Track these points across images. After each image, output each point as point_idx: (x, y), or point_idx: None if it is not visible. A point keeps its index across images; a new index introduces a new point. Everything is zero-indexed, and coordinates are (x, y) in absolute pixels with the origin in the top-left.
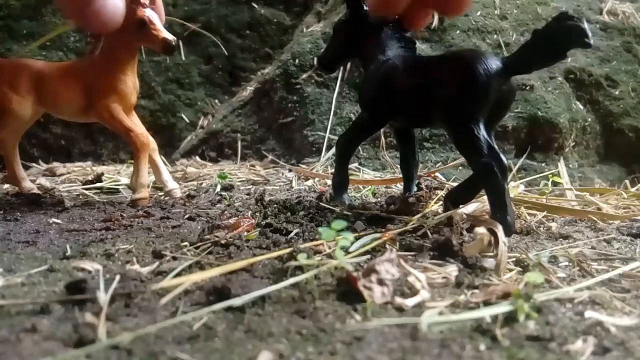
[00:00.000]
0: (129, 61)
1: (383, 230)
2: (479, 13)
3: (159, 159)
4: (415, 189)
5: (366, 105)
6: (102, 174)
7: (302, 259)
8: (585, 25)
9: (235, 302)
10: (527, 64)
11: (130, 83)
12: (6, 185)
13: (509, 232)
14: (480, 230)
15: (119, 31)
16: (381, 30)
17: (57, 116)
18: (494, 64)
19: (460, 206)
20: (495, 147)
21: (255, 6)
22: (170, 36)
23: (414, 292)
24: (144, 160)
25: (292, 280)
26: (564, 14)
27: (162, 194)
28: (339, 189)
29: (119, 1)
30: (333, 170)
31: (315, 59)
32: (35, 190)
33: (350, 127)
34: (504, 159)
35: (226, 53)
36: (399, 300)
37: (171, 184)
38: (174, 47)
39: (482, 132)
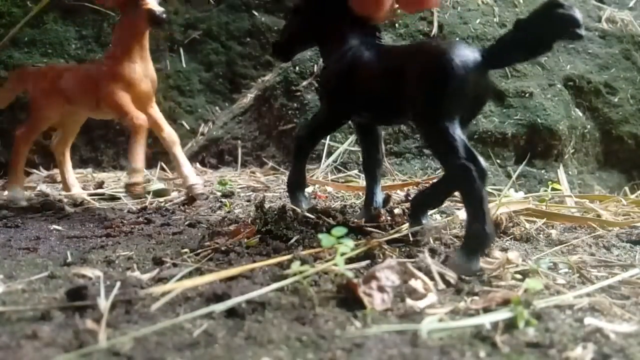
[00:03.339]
0: (135, 48)
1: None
2: (478, 21)
3: (180, 152)
4: (381, 195)
5: (327, 99)
6: (103, 182)
7: (294, 267)
8: (577, 14)
9: (229, 303)
10: (509, 56)
11: (140, 70)
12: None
13: (487, 244)
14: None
15: (122, 17)
16: (344, 15)
17: (84, 114)
18: (472, 55)
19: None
20: (472, 149)
21: (256, 14)
22: (157, 7)
23: (415, 298)
24: (138, 144)
25: (282, 283)
26: (552, 1)
27: (162, 200)
28: (294, 190)
29: None
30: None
31: (315, 67)
32: (84, 196)
33: (310, 121)
34: (482, 162)
35: None
36: (410, 302)
37: (193, 179)
38: (159, 17)
39: (458, 132)
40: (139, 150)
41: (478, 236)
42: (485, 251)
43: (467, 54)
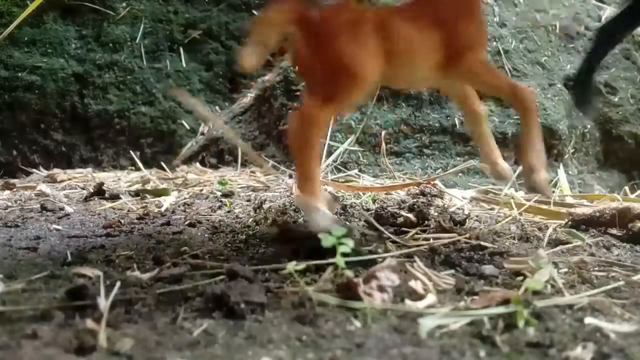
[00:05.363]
0: None
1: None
2: None
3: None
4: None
5: None
6: (103, 183)
7: (290, 267)
8: None
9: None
10: None
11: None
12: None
13: None
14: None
15: None
16: None
17: (399, 85)
18: None
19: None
20: None
21: (256, 13)
22: None
23: (414, 298)
24: (538, 127)
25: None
26: None
27: (157, 199)
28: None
29: None
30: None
31: None
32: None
33: None
34: None
35: None
36: (409, 302)
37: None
38: None
39: None
40: (539, 134)
41: None
42: None
43: None
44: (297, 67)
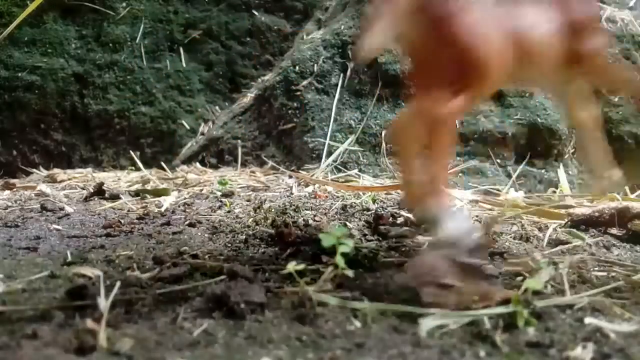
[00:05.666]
0: None
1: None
2: None
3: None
4: None
5: None
6: (103, 183)
7: (290, 267)
8: None
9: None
10: None
11: None
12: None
13: None
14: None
15: None
16: None
17: (522, 83)
18: None
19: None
20: None
21: (256, 13)
22: None
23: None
24: None
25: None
26: None
27: (157, 199)
28: None
29: None
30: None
31: (315, 66)
32: None
33: None
34: None
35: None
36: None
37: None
38: None
39: None
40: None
41: None
42: None
43: None
44: (412, 60)
